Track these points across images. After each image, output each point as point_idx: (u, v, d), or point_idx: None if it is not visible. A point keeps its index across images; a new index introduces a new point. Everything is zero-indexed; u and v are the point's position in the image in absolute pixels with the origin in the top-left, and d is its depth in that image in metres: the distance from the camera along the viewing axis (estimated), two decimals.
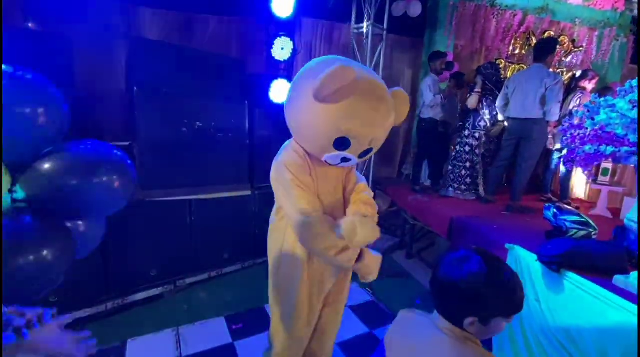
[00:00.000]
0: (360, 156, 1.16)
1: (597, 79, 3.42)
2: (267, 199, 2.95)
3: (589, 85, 3.36)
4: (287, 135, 3.24)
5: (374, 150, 1.20)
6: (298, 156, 1.17)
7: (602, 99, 1.42)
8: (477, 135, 3.37)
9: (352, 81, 0.97)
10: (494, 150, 3.69)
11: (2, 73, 1.65)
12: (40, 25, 2.21)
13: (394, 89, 1.17)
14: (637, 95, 1.30)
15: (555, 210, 2.09)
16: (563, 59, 4.67)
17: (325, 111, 1.02)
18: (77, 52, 2.25)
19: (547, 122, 2.91)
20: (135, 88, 2.20)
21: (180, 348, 1.88)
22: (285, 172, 1.13)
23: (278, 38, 2.66)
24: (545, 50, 2.96)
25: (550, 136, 3.46)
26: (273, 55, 2.68)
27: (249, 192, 2.83)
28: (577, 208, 2.80)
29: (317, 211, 1.12)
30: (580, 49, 4.55)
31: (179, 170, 2.47)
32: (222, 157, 2.65)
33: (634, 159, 1.33)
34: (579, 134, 1.45)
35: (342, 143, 1.06)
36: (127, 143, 2.68)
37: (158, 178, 2.39)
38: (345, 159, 1.13)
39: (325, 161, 1.16)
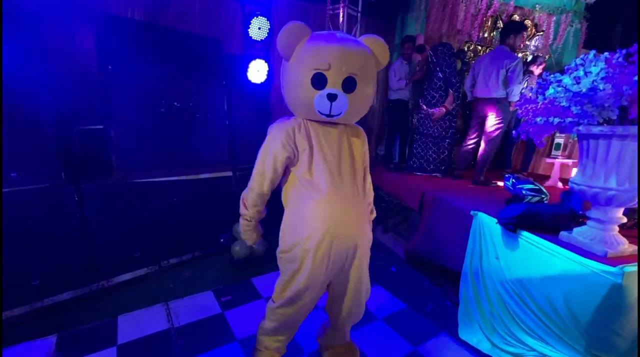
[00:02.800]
0: (345, 90, 1.16)
1: (544, 64, 3.71)
2: (248, 180, 3.01)
3: (537, 69, 3.65)
4: (265, 115, 3.29)
5: (361, 82, 1.18)
6: (280, 128, 1.25)
7: (552, 76, 1.60)
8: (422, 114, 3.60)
9: (305, 32, 1.17)
10: (463, 129, 3.93)
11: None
12: None
13: (363, 36, 1.26)
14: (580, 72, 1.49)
15: (513, 180, 2.33)
16: (527, 42, 4.95)
17: (296, 62, 1.18)
18: (42, 31, 2.14)
19: (509, 101, 3.14)
20: (110, 67, 2.16)
21: (171, 320, 1.96)
22: (268, 132, 1.29)
23: (255, 18, 2.66)
24: (505, 32, 3.17)
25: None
26: (250, 35, 2.68)
27: (230, 173, 2.87)
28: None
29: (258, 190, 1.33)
30: (542, 33, 4.85)
31: (159, 152, 2.47)
32: (202, 138, 2.66)
33: (576, 128, 1.53)
34: (531, 108, 1.63)
35: (318, 79, 1.14)
36: (101, 126, 2.63)
37: (137, 160, 2.38)
38: (331, 96, 1.14)
39: (320, 113, 1.19)
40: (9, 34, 1.78)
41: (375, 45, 1.23)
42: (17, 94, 1.83)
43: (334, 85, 1.14)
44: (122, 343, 1.77)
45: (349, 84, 1.15)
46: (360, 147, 1.37)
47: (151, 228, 2.50)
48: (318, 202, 1.24)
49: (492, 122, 3.19)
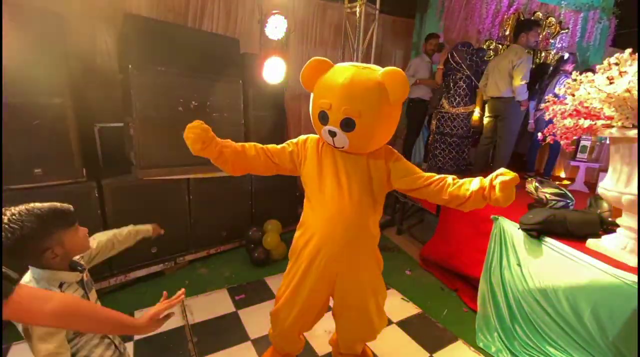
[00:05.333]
0: (343, 129, 1.17)
1: (576, 63, 3.54)
2: (263, 180, 3.02)
3: (570, 68, 3.48)
4: (280, 115, 3.27)
5: (361, 123, 1.17)
6: (310, 137, 1.37)
7: (584, 75, 1.52)
8: (443, 114, 3.48)
9: (326, 67, 1.23)
10: (480, 130, 3.82)
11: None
12: None
13: (385, 68, 1.18)
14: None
15: (536, 184, 2.24)
16: (551, 40, 4.77)
17: (313, 98, 1.27)
18: (64, 30, 2.19)
19: (518, 101, 3.02)
20: (130, 66, 2.19)
21: (186, 317, 1.98)
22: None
23: (272, 16, 2.65)
24: (517, 30, 3.08)
25: (531, 121, 3.60)
26: (267, 34, 2.67)
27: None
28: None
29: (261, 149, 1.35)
30: (567, 30, 4.65)
31: (176, 150, 2.48)
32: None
33: (608, 131, 1.45)
34: (560, 110, 1.56)
35: (322, 117, 1.21)
36: (121, 124, 2.68)
37: (155, 157, 2.41)
38: (331, 133, 1.20)
39: (328, 143, 1.27)
40: (31, 34, 1.82)
41: (390, 80, 1.15)
42: (39, 93, 1.87)
43: (333, 123, 1.19)
44: (138, 338, 1.79)
45: (347, 124, 1.17)
46: (382, 170, 1.30)
47: (167, 225, 2.50)
48: (321, 218, 1.30)
49: (504, 122, 3.11)
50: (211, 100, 2.58)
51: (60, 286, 0.93)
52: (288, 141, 1.39)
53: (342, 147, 1.24)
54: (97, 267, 2.18)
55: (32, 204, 0.86)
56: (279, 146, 1.37)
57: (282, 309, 1.42)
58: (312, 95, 1.28)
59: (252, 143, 1.36)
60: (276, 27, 2.72)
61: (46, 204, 0.88)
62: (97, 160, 2.50)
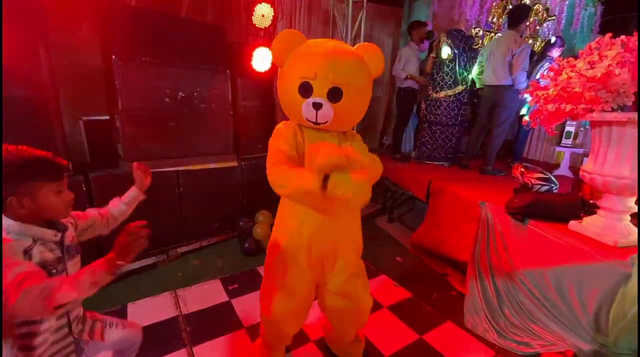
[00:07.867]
0: (330, 99, 1.14)
1: (564, 47, 3.57)
2: (253, 171, 3.02)
3: (556, 53, 3.51)
4: (270, 106, 3.26)
5: (348, 92, 1.15)
6: (284, 124, 1.28)
7: (565, 60, 1.55)
8: (430, 102, 3.52)
9: (299, 40, 1.20)
10: (470, 117, 3.86)
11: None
12: None
13: (358, 43, 1.26)
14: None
15: (522, 169, 2.29)
16: (538, 27, 4.80)
17: (287, 70, 1.21)
18: (47, 18, 2.13)
19: (517, 89, 3.05)
20: (114, 56, 2.14)
21: (179, 308, 1.99)
22: (272, 136, 1.26)
23: (258, 4, 2.61)
24: (517, 16, 3.07)
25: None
26: (254, 22, 2.64)
27: (235, 163, 2.87)
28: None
29: (281, 163, 1.15)
30: (553, 17, 4.68)
31: (164, 142, 2.47)
32: (207, 128, 2.65)
33: (589, 115, 1.48)
34: (543, 95, 1.59)
35: (305, 89, 1.15)
36: (106, 117, 2.63)
37: (143, 150, 2.38)
38: (316, 105, 1.14)
39: (308, 120, 1.20)
40: (11, 23, 1.76)
41: (369, 54, 1.20)
42: (23, 85, 1.83)
43: (319, 94, 1.14)
44: None
45: (334, 94, 1.14)
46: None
47: (158, 218, 2.52)
48: (305, 207, 1.26)
49: (500, 110, 3.13)
50: (198, 91, 2.55)
51: (35, 241, 0.88)
52: (276, 146, 1.21)
53: (325, 122, 1.18)
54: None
55: (29, 149, 0.85)
56: (278, 153, 1.19)
57: (275, 308, 1.35)
58: (284, 70, 1.22)
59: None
60: (263, 16, 2.68)
61: (39, 153, 0.86)
62: (84, 154, 2.46)
